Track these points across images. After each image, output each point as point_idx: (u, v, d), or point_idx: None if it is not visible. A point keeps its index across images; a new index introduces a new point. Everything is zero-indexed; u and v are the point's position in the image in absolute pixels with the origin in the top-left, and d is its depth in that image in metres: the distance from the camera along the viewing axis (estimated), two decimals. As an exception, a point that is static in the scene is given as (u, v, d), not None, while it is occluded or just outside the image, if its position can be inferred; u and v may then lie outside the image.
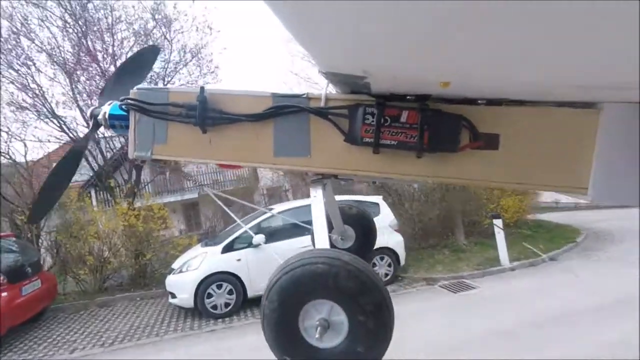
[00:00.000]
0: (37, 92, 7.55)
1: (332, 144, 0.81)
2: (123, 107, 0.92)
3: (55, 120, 8.07)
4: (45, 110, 7.82)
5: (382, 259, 6.40)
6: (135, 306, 6.52)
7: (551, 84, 0.60)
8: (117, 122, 0.96)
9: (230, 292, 5.54)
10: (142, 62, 1.21)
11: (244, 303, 5.63)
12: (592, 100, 0.72)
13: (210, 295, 5.49)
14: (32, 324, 5.79)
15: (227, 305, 5.53)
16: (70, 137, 8.40)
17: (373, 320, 0.60)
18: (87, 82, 8.16)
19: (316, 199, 0.82)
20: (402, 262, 6.59)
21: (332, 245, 1.00)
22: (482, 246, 7.88)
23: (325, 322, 0.62)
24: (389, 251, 6.42)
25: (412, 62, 0.51)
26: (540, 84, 0.60)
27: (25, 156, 7.53)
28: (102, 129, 1.07)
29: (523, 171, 0.76)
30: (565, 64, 0.45)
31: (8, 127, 7.41)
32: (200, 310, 5.48)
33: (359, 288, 0.60)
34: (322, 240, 0.75)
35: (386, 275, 6.40)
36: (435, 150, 0.75)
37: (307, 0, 0.34)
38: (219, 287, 5.50)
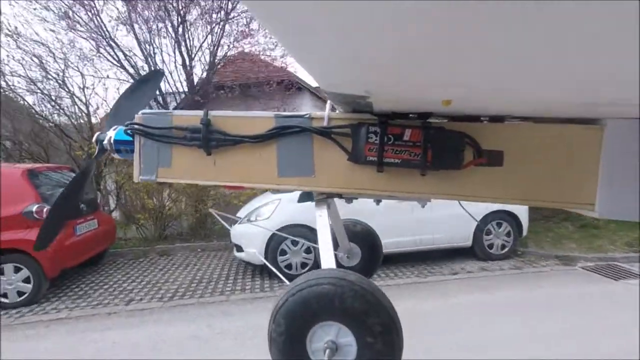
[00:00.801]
0: (92, 13, 6.74)
1: (336, 164, 0.79)
2: (128, 131, 0.91)
3: (113, 53, 7.31)
4: (102, 39, 7.06)
5: (499, 225, 4.88)
6: (196, 257, 5.78)
7: (553, 100, 0.58)
8: (123, 147, 0.96)
9: (307, 251, 4.45)
10: (147, 86, 1.16)
11: (324, 266, 4.54)
12: (596, 117, 0.71)
13: (284, 252, 4.46)
14: (90, 268, 5.25)
15: (304, 265, 4.47)
16: (129, 73, 7.70)
17: (381, 342, 0.56)
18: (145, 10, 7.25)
19: (321, 218, 0.80)
20: (525, 232, 5.03)
21: (338, 264, 0.86)
22: (620, 223, 5.99)
23: (333, 345, 0.58)
24: (508, 216, 4.88)
25: (413, 81, 0.50)
26: (542, 101, 0.58)
27: (83, 89, 6.92)
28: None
29: (528, 187, 0.74)
30: (567, 81, 0.44)
31: (64, 54, 6.76)
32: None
33: (365, 308, 0.56)
34: (328, 259, 0.71)
35: (503, 247, 4.91)
36: (439, 168, 0.73)
37: (307, 21, 0.32)
38: (295, 243, 4.43)
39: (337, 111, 0.85)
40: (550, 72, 0.40)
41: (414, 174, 0.75)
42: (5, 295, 3.99)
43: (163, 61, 7.92)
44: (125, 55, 7.28)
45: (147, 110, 0.95)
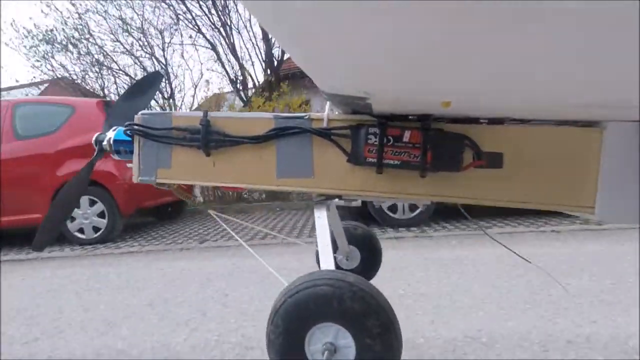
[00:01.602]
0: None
1: (335, 165, 0.79)
2: (127, 132, 0.92)
3: (192, 18, 7.16)
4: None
5: None
6: (275, 215, 5.10)
7: (553, 102, 0.57)
8: (122, 148, 0.95)
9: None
10: (146, 87, 1.15)
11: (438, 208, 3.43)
12: (596, 119, 0.70)
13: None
14: (167, 220, 4.90)
15: (412, 208, 3.39)
16: (207, 38, 7.52)
17: (380, 343, 0.56)
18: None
19: (320, 220, 0.79)
20: None
21: (337, 266, 0.83)
22: None
23: (331, 346, 0.58)
24: None
25: (412, 83, 0.50)
26: (542, 103, 0.58)
27: (163, 52, 6.86)
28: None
29: (528, 190, 0.73)
30: (567, 83, 0.44)
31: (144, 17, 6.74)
32: (375, 216, 3.45)
33: (364, 310, 0.56)
34: (327, 261, 0.72)
35: None
36: (438, 169, 0.72)
37: (306, 21, 0.31)
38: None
39: (337, 112, 0.81)
40: (549, 74, 0.40)
41: (413, 176, 0.74)
42: (81, 231, 3.69)
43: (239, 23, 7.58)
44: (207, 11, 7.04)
45: (146, 111, 0.92)
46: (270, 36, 7.44)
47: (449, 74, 0.43)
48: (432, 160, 0.71)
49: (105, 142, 0.98)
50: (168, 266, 2.62)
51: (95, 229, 3.70)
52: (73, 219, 3.68)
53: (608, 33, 0.29)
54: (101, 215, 3.68)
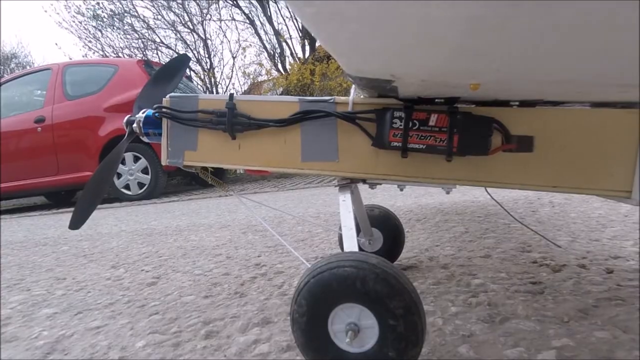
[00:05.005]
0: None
1: (360, 149, 0.79)
2: (156, 114, 0.92)
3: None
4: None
5: None
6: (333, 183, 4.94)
7: (588, 83, 0.56)
8: (151, 130, 0.95)
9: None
10: (174, 70, 1.13)
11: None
12: (634, 100, 0.68)
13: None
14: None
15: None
16: (245, 14, 7.49)
17: (403, 324, 0.57)
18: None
19: (345, 203, 0.78)
20: None
21: (360, 249, 0.73)
22: None
23: (355, 327, 0.59)
24: None
25: (440, 65, 0.49)
26: (578, 84, 0.57)
27: (202, 23, 6.92)
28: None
29: (560, 174, 0.72)
30: (607, 61, 0.42)
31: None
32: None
33: (387, 291, 0.58)
34: (351, 243, 0.70)
35: None
36: (465, 154, 0.71)
37: (333, 2, 0.31)
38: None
39: (362, 96, 0.80)
40: (588, 51, 0.38)
41: (439, 160, 0.74)
42: (127, 187, 3.79)
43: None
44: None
45: (174, 94, 0.92)
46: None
47: (478, 55, 0.42)
48: (459, 144, 0.70)
49: (135, 125, 1.00)
50: (204, 204, 2.55)
51: (140, 185, 3.78)
52: (119, 175, 3.79)
53: None
54: (145, 171, 3.76)
